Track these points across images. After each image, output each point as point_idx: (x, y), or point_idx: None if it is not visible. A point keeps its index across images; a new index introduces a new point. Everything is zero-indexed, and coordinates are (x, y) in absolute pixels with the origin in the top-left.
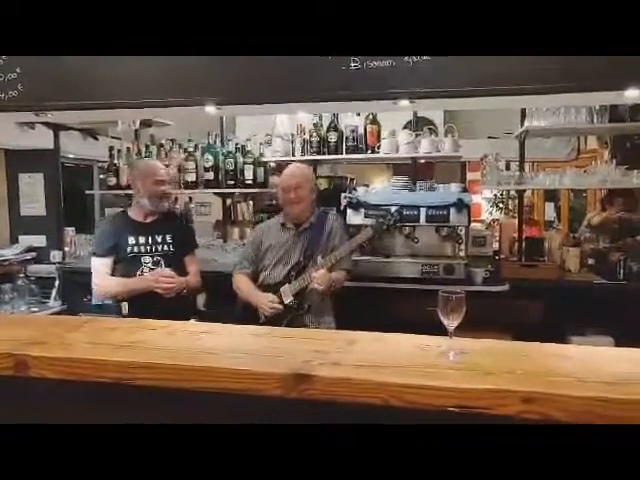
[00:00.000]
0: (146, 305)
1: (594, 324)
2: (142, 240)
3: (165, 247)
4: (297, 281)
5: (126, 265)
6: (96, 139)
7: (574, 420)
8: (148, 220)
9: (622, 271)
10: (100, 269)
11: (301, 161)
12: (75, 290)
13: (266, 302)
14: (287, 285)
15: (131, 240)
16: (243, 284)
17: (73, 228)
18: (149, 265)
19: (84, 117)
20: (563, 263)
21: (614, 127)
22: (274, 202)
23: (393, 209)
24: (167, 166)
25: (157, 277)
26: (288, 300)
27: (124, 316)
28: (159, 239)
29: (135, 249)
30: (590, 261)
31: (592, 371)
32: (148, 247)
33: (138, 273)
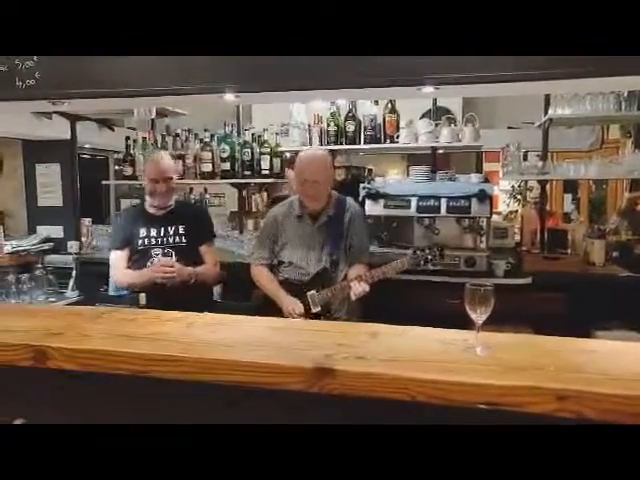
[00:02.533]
0: (161, 296)
1: (619, 318)
2: (153, 232)
3: (177, 239)
4: (326, 291)
5: (138, 258)
6: (112, 130)
7: (607, 419)
8: (161, 212)
9: None
10: (115, 262)
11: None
12: (92, 280)
13: (293, 309)
14: (315, 293)
15: (142, 232)
16: (266, 280)
17: (90, 219)
18: (158, 256)
19: (101, 106)
20: (587, 255)
21: None
22: (289, 194)
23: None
24: (180, 157)
25: (156, 267)
26: (317, 309)
27: (141, 307)
28: (171, 231)
29: (146, 241)
30: (615, 254)
31: (623, 367)
32: (159, 239)
33: (148, 264)
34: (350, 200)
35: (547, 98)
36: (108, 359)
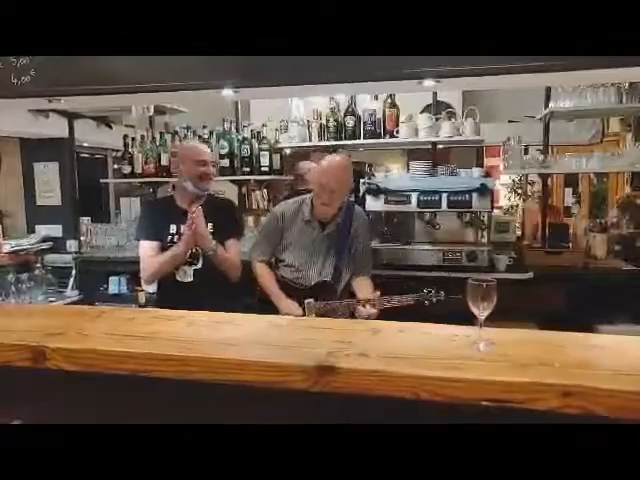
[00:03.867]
0: (175, 292)
1: (622, 312)
2: (183, 229)
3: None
4: (325, 305)
5: None
6: (110, 127)
7: (615, 415)
8: (192, 207)
9: None
10: (144, 253)
11: (317, 147)
12: (91, 279)
13: (290, 312)
14: (313, 302)
15: (173, 228)
16: (268, 280)
17: (89, 217)
18: (187, 257)
19: (97, 103)
20: (589, 249)
21: None
22: (302, 188)
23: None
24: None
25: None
26: (311, 317)
27: (141, 305)
28: None
29: (175, 239)
30: (617, 247)
31: (630, 363)
32: None
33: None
34: (358, 208)
35: (548, 91)
36: (108, 359)
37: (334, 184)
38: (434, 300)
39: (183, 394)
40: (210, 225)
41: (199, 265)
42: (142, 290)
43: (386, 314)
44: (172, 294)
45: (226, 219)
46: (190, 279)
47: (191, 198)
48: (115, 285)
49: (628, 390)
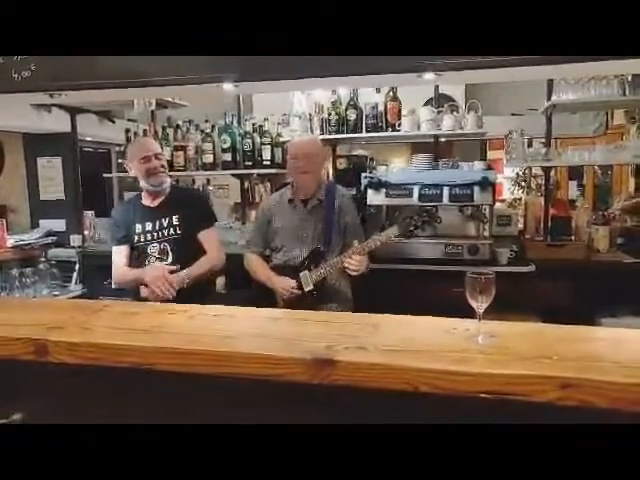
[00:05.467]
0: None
1: (625, 305)
2: (149, 227)
3: (171, 230)
4: (319, 269)
5: (137, 255)
6: (112, 122)
7: (615, 407)
8: (155, 203)
9: None
10: (114, 258)
11: (320, 140)
12: (95, 273)
13: (285, 287)
14: (307, 272)
15: (139, 228)
16: (258, 266)
17: (92, 212)
18: (155, 254)
19: (98, 97)
20: (591, 242)
21: None
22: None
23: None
24: (182, 148)
25: (155, 282)
26: (309, 288)
27: (144, 299)
28: (165, 223)
29: (142, 237)
30: (620, 240)
31: (629, 355)
32: (155, 234)
33: (146, 263)
34: (340, 187)
35: (550, 84)
36: (109, 352)
37: (305, 148)
38: (418, 224)
39: (183, 386)
40: (176, 217)
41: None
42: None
43: (386, 306)
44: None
45: (195, 210)
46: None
47: (153, 195)
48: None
49: (628, 382)
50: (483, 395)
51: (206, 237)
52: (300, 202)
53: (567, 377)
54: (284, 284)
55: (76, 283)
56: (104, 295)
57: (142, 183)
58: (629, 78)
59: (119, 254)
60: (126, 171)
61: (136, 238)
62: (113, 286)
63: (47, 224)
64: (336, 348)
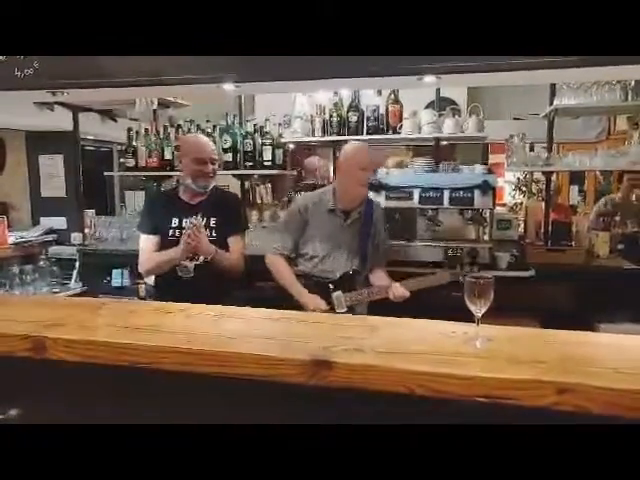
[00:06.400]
0: (173, 286)
1: (623, 311)
2: (186, 223)
3: (207, 232)
4: (357, 294)
5: (166, 248)
6: (115, 121)
7: (611, 413)
8: (195, 201)
9: None
10: (143, 245)
11: (321, 142)
12: (95, 272)
13: (315, 307)
14: (341, 294)
15: (174, 222)
16: (285, 272)
17: (93, 210)
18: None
19: (100, 96)
20: (592, 248)
21: None
22: (309, 182)
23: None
24: None
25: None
26: (342, 310)
27: (143, 298)
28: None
29: (177, 232)
30: (620, 246)
31: (627, 361)
32: None
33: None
34: (376, 200)
35: (553, 88)
36: (108, 350)
37: (370, 160)
38: (469, 270)
39: (181, 386)
40: (213, 220)
41: (200, 260)
42: (143, 283)
43: (385, 308)
44: (171, 288)
45: (230, 214)
46: (191, 274)
47: (193, 193)
48: (118, 277)
49: (624, 388)
50: (479, 399)
51: (235, 242)
52: (341, 212)
53: (563, 382)
54: (313, 303)
55: (76, 281)
56: (104, 293)
57: (187, 180)
58: (632, 84)
59: (150, 242)
60: (128, 169)
61: (171, 232)
62: (142, 272)
63: (48, 222)
64: (333, 350)
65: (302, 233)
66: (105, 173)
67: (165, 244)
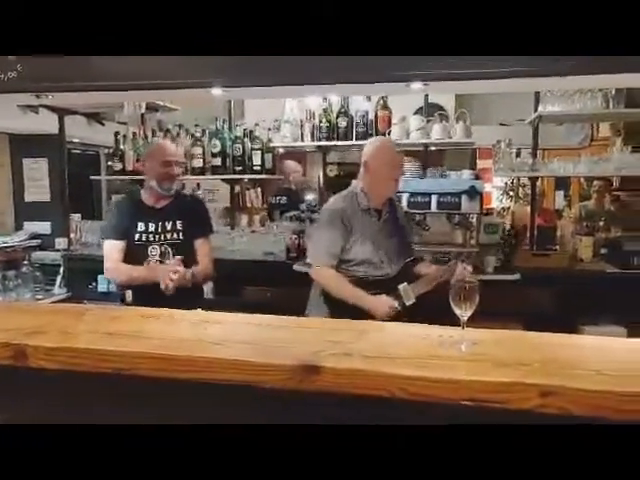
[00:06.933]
0: (152, 293)
1: (606, 314)
2: (152, 227)
3: (175, 235)
4: (422, 282)
5: (133, 253)
6: (102, 124)
7: (594, 415)
8: (159, 205)
9: (635, 260)
10: (109, 252)
11: (310, 147)
12: (80, 277)
13: (387, 308)
14: (407, 285)
15: (140, 226)
16: (340, 283)
17: (79, 214)
18: (156, 256)
19: (86, 100)
20: (576, 252)
21: (632, 112)
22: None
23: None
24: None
25: (166, 270)
26: (410, 302)
27: (128, 304)
28: (169, 226)
29: (143, 237)
30: (603, 250)
31: (610, 363)
32: (157, 235)
33: (145, 263)
34: (395, 199)
35: (537, 96)
36: (90, 357)
37: (395, 156)
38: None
39: (167, 392)
40: (180, 223)
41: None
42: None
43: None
44: (149, 294)
45: (196, 217)
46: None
47: (158, 196)
48: (104, 283)
49: (607, 390)
50: (464, 402)
51: (202, 245)
52: (375, 212)
53: (546, 385)
54: (384, 305)
55: (60, 287)
56: (89, 299)
57: (152, 183)
58: (612, 92)
59: (115, 248)
60: (115, 173)
61: (137, 236)
62: (101, 284)
63: (32, 226)
64: (322, 354)
65: (347, 238)
66: (92, 177)
67: (132, 249)
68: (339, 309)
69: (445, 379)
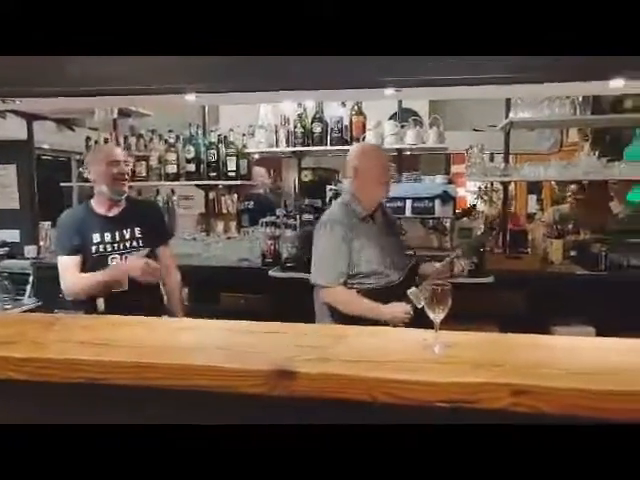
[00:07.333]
0: (122, 301)
1: (576, 314)
2: (108, 237)
3: (134, 243)
4: (426, 284)
5: (93, 265)
6: (72, 130)
7: (565, 413)
8: (113, 213)
9: (604, 262)
10: (65, 269)
11: (285, 152)
12: (51, 286)
13: (403, 314)
14: (415, 289)
15: (96, 237)
16: (351, 298)
17: (49, 222)
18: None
19: (56, 105)
20: (547, 255)
21: (598, 119)
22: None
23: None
24: (145, 158)
25: (133, 260)
26: (421, 305)
27: (100, 313)
28: (127, 234)
29: (101, 248)
30: (572, 252)
31: (579, 362)
32: (115, 245)
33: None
34: (383, 203)
35: (508, 102)
36: (62, 367)
37: (386, 158)
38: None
39: (141, 401)
40: (138, 230)
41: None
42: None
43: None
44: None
45: (155, 223)
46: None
47: (110, 204)
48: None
49: (577, 388)
50: (439, 404)
51: (165, 253)
52: (369, 218)
53: (518, 384)
54: (400, 311)
55: (30, 296)
56: (60, 308)
57: (103, 189)
58: (580, 99)
59: (71, 264)
60: (86, 180)
61: (93, 249)
62: (69, 296)
63: (0, 234)
64: (297, 359)
65: (351, 250)
66: (62, 184)
67: (91, 262)
68: (346, 321)
69: (419, 381)
